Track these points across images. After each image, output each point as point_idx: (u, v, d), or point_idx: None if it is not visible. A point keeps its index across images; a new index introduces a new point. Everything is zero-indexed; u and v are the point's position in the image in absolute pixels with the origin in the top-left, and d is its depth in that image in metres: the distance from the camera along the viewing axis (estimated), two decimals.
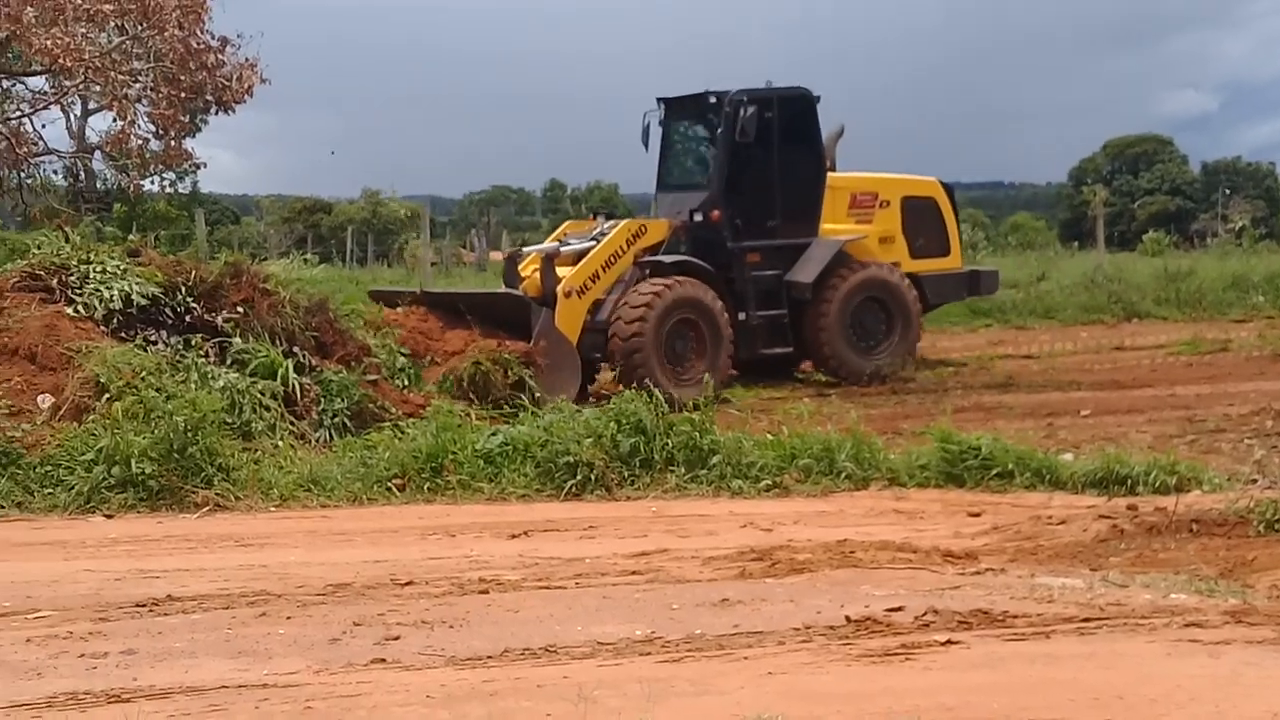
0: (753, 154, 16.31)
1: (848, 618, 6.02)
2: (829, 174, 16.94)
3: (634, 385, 12.66)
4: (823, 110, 16.89)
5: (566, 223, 17.39)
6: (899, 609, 6.13)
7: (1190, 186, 72.10)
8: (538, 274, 14.93)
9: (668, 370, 14.52)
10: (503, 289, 15.45)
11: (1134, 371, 17.04)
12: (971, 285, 18.54)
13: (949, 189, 18.13)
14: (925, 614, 6.02)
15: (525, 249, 16.94)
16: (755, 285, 16.15)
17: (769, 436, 10.43)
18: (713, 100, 16.56)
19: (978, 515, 8.75)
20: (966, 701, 4.82)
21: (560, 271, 14.89)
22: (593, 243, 15.51)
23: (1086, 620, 5.95)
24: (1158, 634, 5.72)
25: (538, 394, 12.65)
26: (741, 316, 15.85)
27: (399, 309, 14.35)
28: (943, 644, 5.60)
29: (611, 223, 16.06)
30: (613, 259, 15.38)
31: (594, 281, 15.15)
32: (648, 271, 15.37)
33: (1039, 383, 16.18)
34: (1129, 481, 9.33)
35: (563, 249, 15.63)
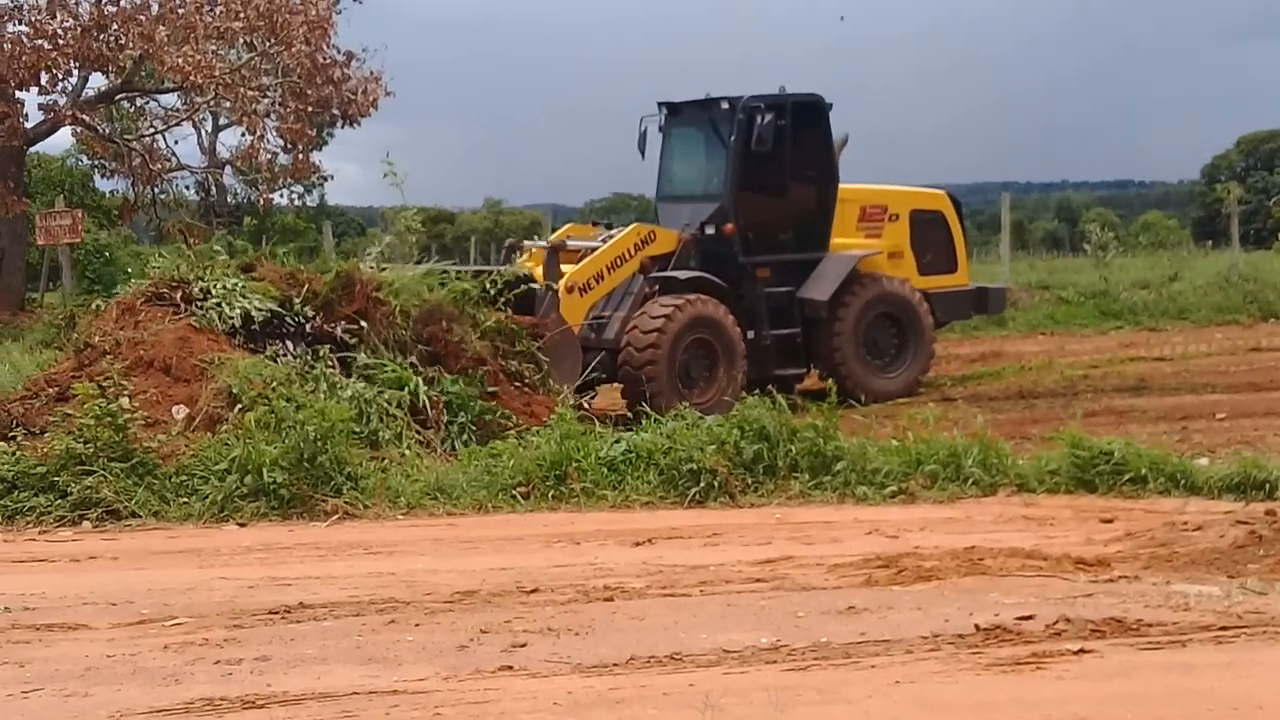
0: (766, 164, 15.56)
1: (977, 626, 5.94)
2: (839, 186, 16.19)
3: (641, 405, 12.41)
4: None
5: (568, 225, 16.55)
6: (1029, 617, 6.03)
7: None
8: (539, 269, 14.43)
9: (680, 392, 13.86)
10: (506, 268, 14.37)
11: (1271, 373, 16.59)
12: (979, 303, 17.74)
13: (956, 201, 17.38)
14: (1056, 622, 5.93)
15: (525, 242, 16.31)
16: (766, 302, 15.42)
17: (894, 442, 10.32)
18: (724, 106, 15.69)
19: (1110, 521, 8.59)
20: (1100, 712, 4.73)
21: (564, 267, 14.43)
22: (600, 244, 14.98)
23: (1224, 629, 5.81)
24: None
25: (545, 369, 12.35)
26: (751, 335, 15.08)
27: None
28: (1075, 653, 5.50)
29: (617, 229, 15.44)
30: (619, 261, 14.73)
31: (597, 281, 14.54)
32: (658, 288, 14.73)
33: (1172, 385, 15.82)
34: (1267, 486, 9.10)
35: (569, 243, 15.09)
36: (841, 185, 16.11)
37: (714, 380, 14.48)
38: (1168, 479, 9.45)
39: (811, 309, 15.52)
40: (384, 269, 12.54)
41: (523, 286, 13.40)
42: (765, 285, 15.51)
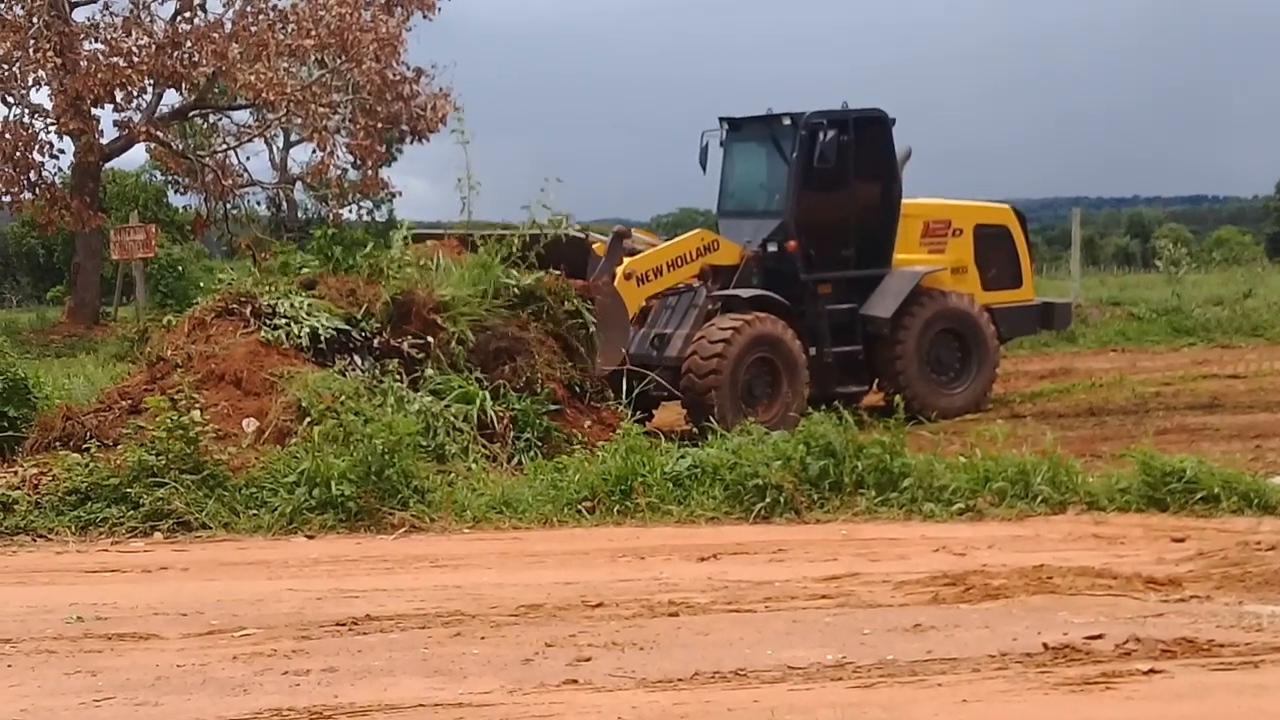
0: (828, 180, 15.39)
1: (1045, 645, 5.88)
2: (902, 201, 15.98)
3: (703, 423, 12.37)
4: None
5: (634, 229, 16.27)
6: (1099, 637, 5.97)
7: None
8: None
9: (742, 410, 13.67)
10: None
11: None
12: (1044, 318, 17.49)
13: (1021, 216, 17.18)
14: (1126, 642, 5.86)
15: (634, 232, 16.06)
16: (828, 319, 15.25)
17: (962, 459, 10.24)
18: (786, 122, 15.53)
19: (1182, 541, 8.48)
20: None
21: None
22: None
23: None
24: None
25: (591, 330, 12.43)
26: (813, 352, 14.90)
27: (428, 243, 13.64)
28: (1145, 673, 5.44)
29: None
30: (680, 260, 14.66)
31: (655, 275, 14.45)
32: (720, 305, 14.60)
33: (1246, 403, 15.60)
34: None
35: (629, 241, 14.91)
36: (904, 201, 16.00)
37: (777, 398, 14.39)
38: (1241, 498, 9.32)
39: (874, 326, 15.40)
40: (442, 292, 12.45)
41: (573, 249, 13.38)
42: (827, 302, 15.39)
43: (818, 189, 15.44)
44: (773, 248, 15.25)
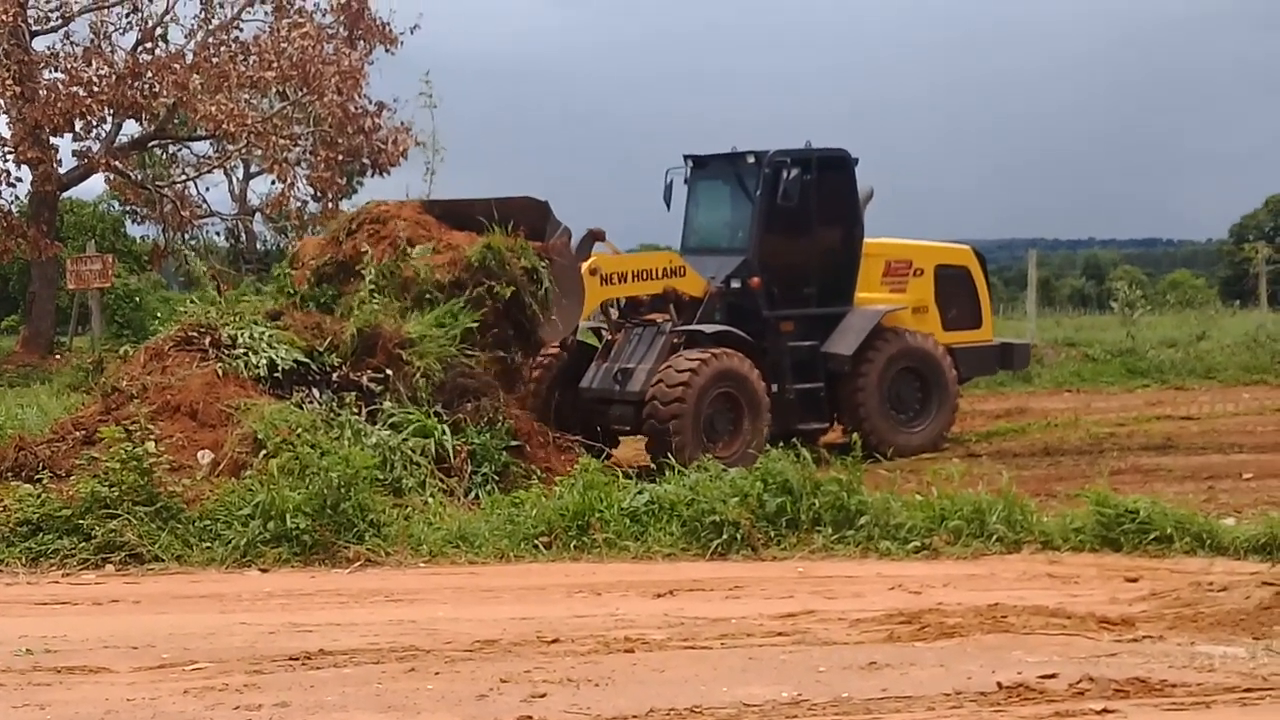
0: (792, 218, 15.51)
1: (999, 684, 5.90)
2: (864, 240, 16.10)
3: (664, 458, 12.43)
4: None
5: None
6: (1052, 676, 6.00)
7: None
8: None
9: (704, 445, 13.68)
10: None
11: None
12: (1004, 359, 17.69)
13: (981, 258, 17.35)
14: (1080, 681, 5.89)
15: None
16: (790, 356, 15.33)
17: (918, 497, 10.28)
18: (750, 160, 15.65)
19: (1135, 581, 8.53)
20: None
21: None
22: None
23: (1249, 690, 5.77)
24: None
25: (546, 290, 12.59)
26: (774, 389, 14.92)
27: (390, 203, 13.75)
28: (1098, 713, 5.47)
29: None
30: (645, 274, 14.84)
31: (619, 280, 14.68)
32: (682, 340, 14.62)
33: (1199, 445, 15.72)
34: None
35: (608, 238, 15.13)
36: (866, 240, 16.12)
37: (738, 434, 14.39)
38: (1193, 539, 9.38)
39: (835, 363, 15.46)
40: (415, 330, 12.46)
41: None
42: (789, 339, 15.44)
43: (781, 227, 15.51)
44: (736, 284, 15.29)
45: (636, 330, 14.97)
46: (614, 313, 15.23)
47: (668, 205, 16.52)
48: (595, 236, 14.71)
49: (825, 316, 15.69)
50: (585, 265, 14.14)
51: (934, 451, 15.41)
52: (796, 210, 15.43)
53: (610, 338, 15.08)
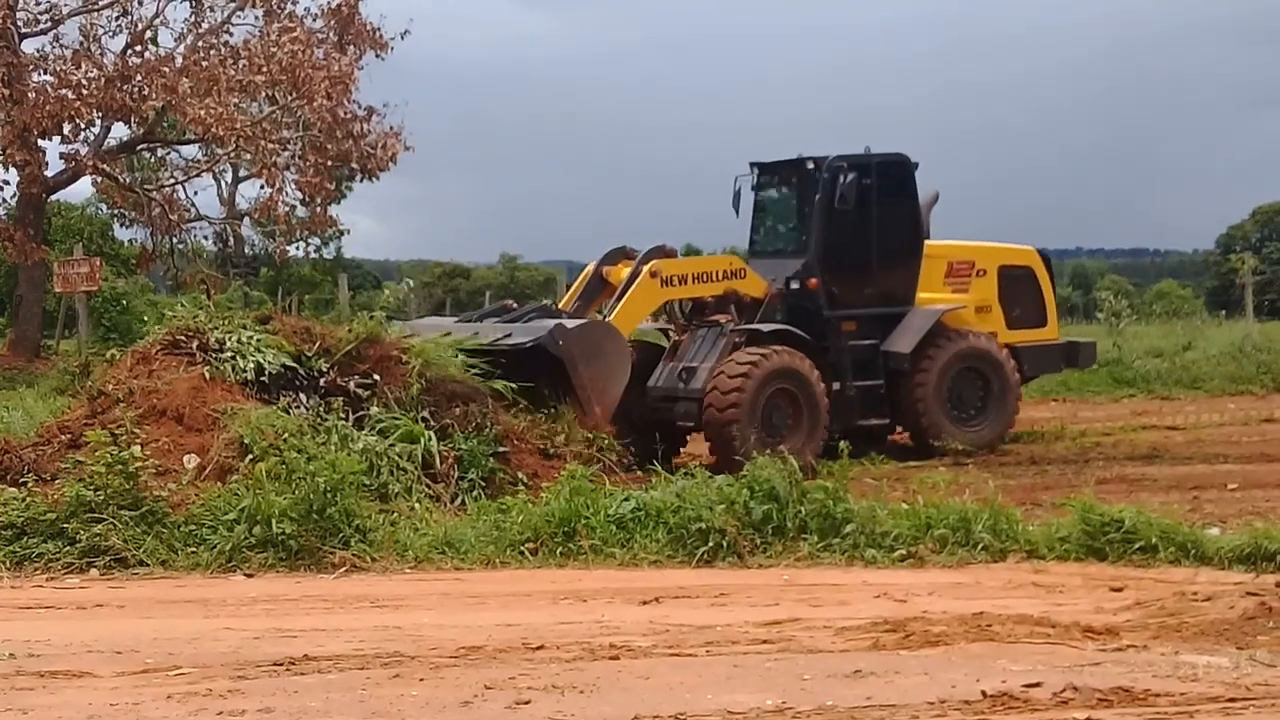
0: (850, 221, 15.98)
1: (984, 692, 5.91)
2: (925, 242, 16.59)
3: (727, 455, 12.70)
4: (933, 178, 16.72)
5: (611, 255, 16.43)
6: (1037, 685, 6.00)
7: None
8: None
9: (763, 441, 13.98)
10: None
11: None
12: (1069, 357, 18.05)
13: (1046, 258, 17.75)
14: (1064, 690, 5.89)
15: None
16: (851, 354, 15.83)
17: (904, 506, 10.29)
18: (810, 166, 16.24)
19: (1120, 590, 8.54)
20: None
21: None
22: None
23: (1232, 700, 5.78)
24: None
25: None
26: (836, 386, 15.49)
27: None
28: None
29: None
30: (705, 276, 15.40)
31: (681, 282, 15.15)
32: (741, 339, 15.09)
33: (1184, 455, 15.78)
34: (1278, 558, 9.02)
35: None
36: (929, 242, 16.58)
37: (798, 428, 14.80)
38: (1178, 548, 9.40)
39: (895, 361, 15.90)
40: (409, 335, 12.60)
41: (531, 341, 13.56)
42: (850, 338, 15.95)
43: (840, 229, 16.00)
44: (795, 285, 15.84)
45: (701, 331, 15.48)
46: (678, 315, 15.88)
47: (736, 211, 17.05)
48: (666, 253, 15.28)
49: (886, 316, 16.15)
50: (648, 267, 14.72)
51: (993, 450, 15.84)
52: (855, 213, 15.92)
53: (677, 338, 15.64)
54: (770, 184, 17.19)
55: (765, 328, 15.26)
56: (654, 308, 15.15)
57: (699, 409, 14.63)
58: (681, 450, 15.26)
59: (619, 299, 14.69)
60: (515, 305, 15.69)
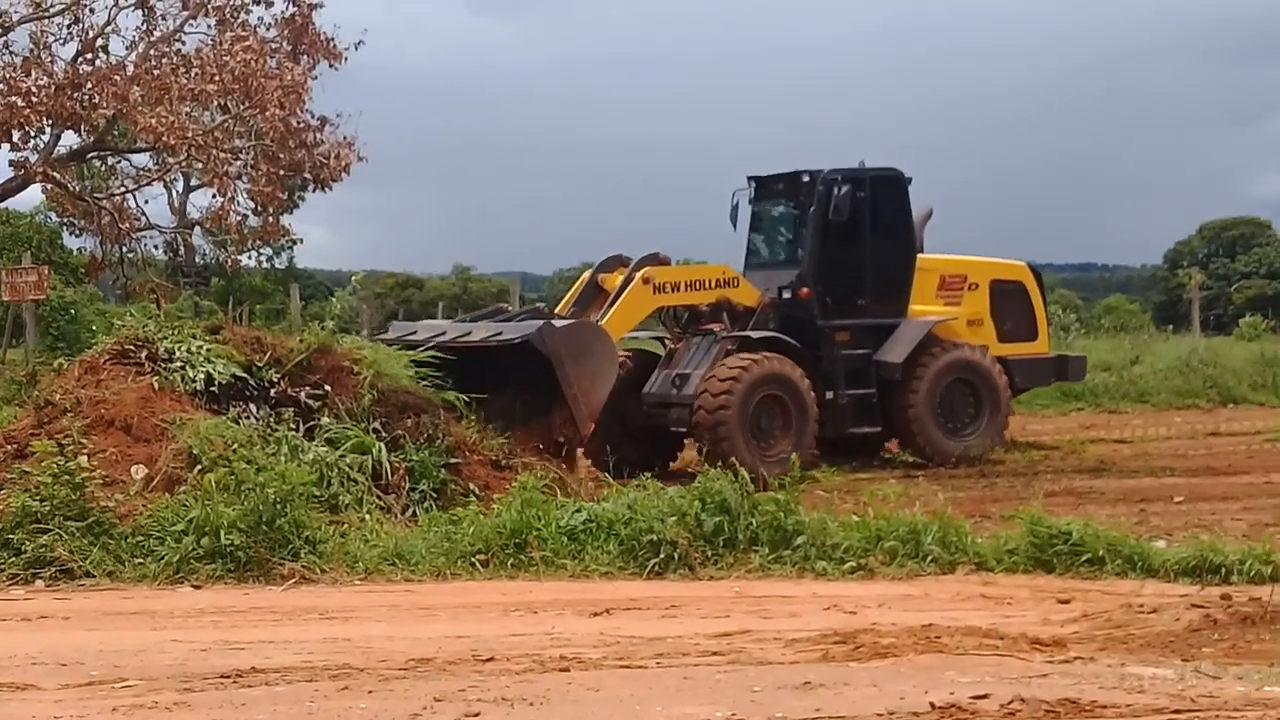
0: (844, 233, 16.36)
1: (932, 704, 5.93)
2: (918, 255, 16.89)
3: (718, 460, 12.75)
4: (915, 193, 16.94)
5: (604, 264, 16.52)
6: (984, 696, 6.03)
7: None
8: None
9: (752, 446, 14.48)
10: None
11: (1229, 458, 16.74)
12: (1059, 370, 18.40)
13: (1037, 273, 18.07)
14: (1011, 702, 5.92)
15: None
16: (844, 364, 16.15)
17: (854, 518, 10.33)
18: (805, 179, 16.63)
19: (1067, 602, 8.60)
20: None
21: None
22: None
23: (1177, 712, 5.82)
24: None
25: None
26: (829, 395, 15.82)
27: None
28: None
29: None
30: (698, 284, 15.69)
31: (672, 290, 15.42)
32: (733, 346, 15.39)
33: (1131, 468, 15.94)
34: (1223, 570, 9.12)
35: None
36: (922, 255, 16.79)
37: (786, 434, 15.02)
38: (1125, 561, 9.48)
39: (886, 371, 16.21)
40: (363, 348, 12.56)
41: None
42: (844, 348, 16.26)
43: (834, 241, 16.36)
44: (788, 295, 16.19)
45: (695, 339, 15.77)
46: (674, 324, 16.20)
47: (734, 225, 17.41)
48: (659, 260, 15.54)
49: (878, 327, 16.50)
50: (640, 274, 15.00)
51: (985, 459, 16.13)
52: (848, 225, 16.27)
53: (672, 347, 15.98)
54: (766, 197, 17.49)
55: (756, 334, 15.58)
56: (646, 314, 15.45)
57: (691, 414, 14.89)
58: (678, 456, 15.64)
59: (611, 304, 14.95)
60: (509, 308, 15.99)
